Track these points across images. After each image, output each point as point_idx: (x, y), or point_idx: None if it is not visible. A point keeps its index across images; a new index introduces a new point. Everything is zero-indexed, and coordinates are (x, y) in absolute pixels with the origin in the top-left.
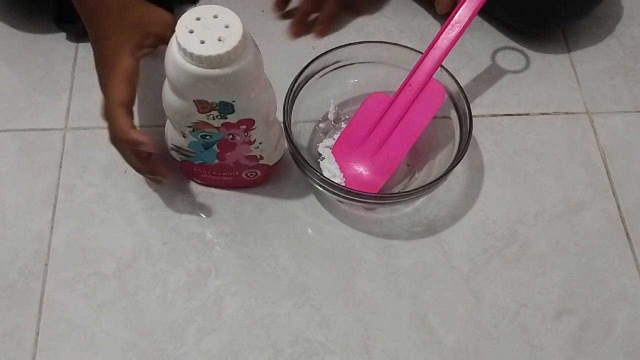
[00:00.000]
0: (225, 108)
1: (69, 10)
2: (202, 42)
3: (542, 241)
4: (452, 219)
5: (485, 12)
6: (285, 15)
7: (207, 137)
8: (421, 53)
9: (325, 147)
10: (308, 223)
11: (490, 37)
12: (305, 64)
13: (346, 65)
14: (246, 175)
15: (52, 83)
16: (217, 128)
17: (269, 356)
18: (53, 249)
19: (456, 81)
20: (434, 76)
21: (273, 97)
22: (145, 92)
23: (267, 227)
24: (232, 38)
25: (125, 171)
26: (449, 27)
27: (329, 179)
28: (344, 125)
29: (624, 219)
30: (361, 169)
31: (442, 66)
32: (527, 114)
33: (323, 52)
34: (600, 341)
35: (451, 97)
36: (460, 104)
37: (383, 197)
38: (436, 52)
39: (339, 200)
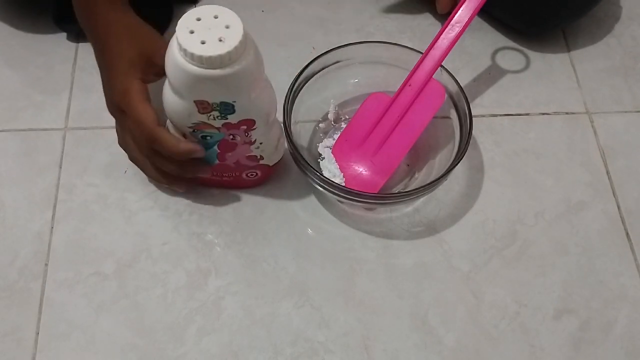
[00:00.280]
0: (226, 108)
1: (69, 10)
2: (203, 43)
3: (542, 241)
4: (452, 219)
5: (485, 12)
6: None
7: (208, 138)
8: (421, 53)
9: (325, 147)
10: (308, 223)
11: (490, 37)
12: (305, 64)
13: (346, 65)
14: (246, 175)
15: (52, 83)
16: (218, 128)
17: (269, 356)
18: (53, 249)
19: (456, 81)
20: (434, 76)
21: (273, 97)
22: None
23: (267, 227)
24: (233, 38)
25: (125, 171)
26: (449, 27)
27: (329, 179)
28: (344, 125)
29: (624, 219)
30: (361, 169)
31: (442, 66)
32: (527, 114)
33: (323, 52)
34: (600, 341)
35: (451, 97)
36: (460, 104)
37: (383, 197)
38: (436, 52)
39: (339, 200)
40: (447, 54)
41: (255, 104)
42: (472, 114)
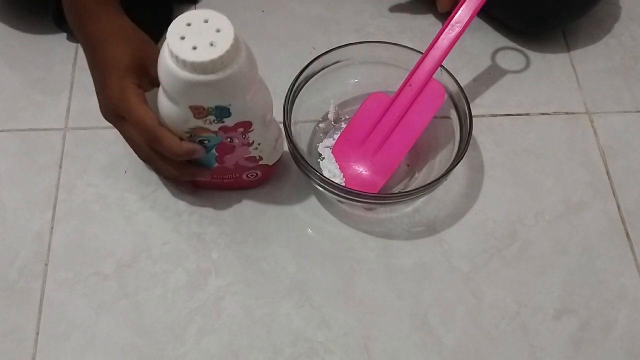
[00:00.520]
0: (222, 112)
1: None
2: (194, 48)
3: (542, 241)
4: (452, 219)
5: (485, 12)
6: None
7: (206, 142)
8: (421, 53)
9: (325, 147)
10: (308, 223)
11: (490, 37)
12: (305, 64)
13: (346, 65)
14: (246, 176)
15: (52, 83)
16: (215, 132)
17: (269, 356)
18: (53, 249)
19: (456, 81)
20: (434, 76)
21: (269, 97)
22: None
23: (267, 227)
24: (224, 42)
25: (125, 171)
26: (449, 27)
27: (329, 179)
28: (344, 125)
29: (624, 219)
30: (361, 169)
31: (442, 66)
32: (527, 114)
33: (323, 52)
34: (600, 341)
35: (451, 97)
36: (460, 104)
37: (383, 197)
38: (436, 52)
39: (339, 200)
40: (447, 54)
41: (251, 105)
42: (472, 114)
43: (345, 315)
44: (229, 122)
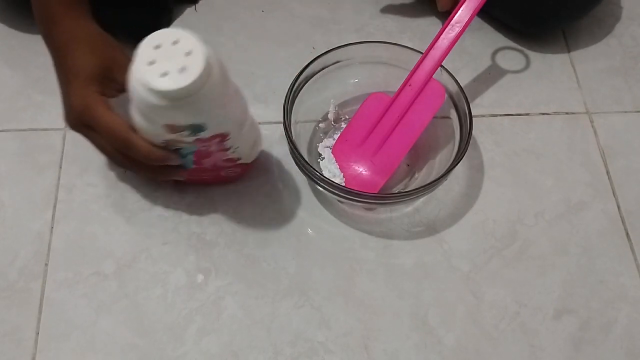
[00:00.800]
0: (197, 128)
1: None
2: (164, 75)
3: (542, 241)
4: (452, 219)
5: (485, 12)
6: None
7: (181, 150)
8: (421, 53)
9: (325, 147)
10: (308, 223)
11: (490, 37)
12: (305, 64)
13: (346, 65)
14: (225, 173)
15: (52, 83)
16: (190, 143)
17: (269, 356)
18: (53, 249)
19: (456, 81)
20: (434, 76)
21: (244, 105)
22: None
23: (267, 227)
24: (195, 67)
25: (125, 171)
26: (449, 27)
27: (329, 179)
28: (344, 125)
29: (624, 219)
30: (361, 169)
31: (442, 66)
32: (527, 114)
33: (323, 52)
34: (600, 341)
35: (451, 97)
36: (460, 104)
37: (383, 197)
38: (436, 52)
39: (339, 200)
40: (447, 54)
41: (226, 118)
42: (472, 114)
43: (345, 315)
44: (204, 135)
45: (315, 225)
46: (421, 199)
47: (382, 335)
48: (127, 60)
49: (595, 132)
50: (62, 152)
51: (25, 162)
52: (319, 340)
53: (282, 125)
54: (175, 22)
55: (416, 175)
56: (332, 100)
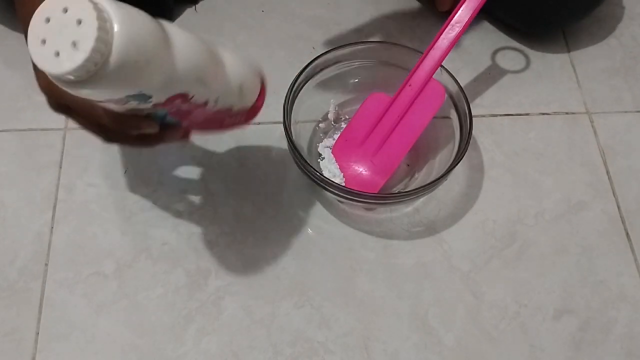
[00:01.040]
0: (140, 97)
1: None
2: (57, 55)
3: (542, 241)
4: (452, 219)
5: (485, 12)
6: None
7: (153, 115)
8: (421, 53)
9: (325, 147)
10: (308, 223)
11: (490, 37)
12: (305, 64)
13: (346, 65)
14: (230, 121)
15: None
16: (150, 109)
17: (269, 356)
18: (53, 249)
19: (456, 81)
20: (434, 76)
21: (199, 57)
22: None
23: (267, 227)
24: (87, 38)
25: (125, 171)
26: (449, 27)
27: (329, 179)
28: (344, 125)
29: (624, 219)
30: (361, 169)
31: (442, 66)
32: (527, 114)
33: (323, 52)
34: (600, 341)
35: (451, 97)
36: (460, 104)
37: (383, 197)
38: (436, 52)
39: (339, 200)
40: (447, 54)
41: (173, 80)
42: (472, 114)
43: (345, 315)
44: (156, 100)
45: (315, 225)
46: (421, 199)
47: (382, 335)
48: None
49: (595, 132)
50: (62, 152)
51: (25, 162)
52: (319, 340)
53: (282, 125)
54: (175, 22)
55: (416, 175)
56: (332, 100)
